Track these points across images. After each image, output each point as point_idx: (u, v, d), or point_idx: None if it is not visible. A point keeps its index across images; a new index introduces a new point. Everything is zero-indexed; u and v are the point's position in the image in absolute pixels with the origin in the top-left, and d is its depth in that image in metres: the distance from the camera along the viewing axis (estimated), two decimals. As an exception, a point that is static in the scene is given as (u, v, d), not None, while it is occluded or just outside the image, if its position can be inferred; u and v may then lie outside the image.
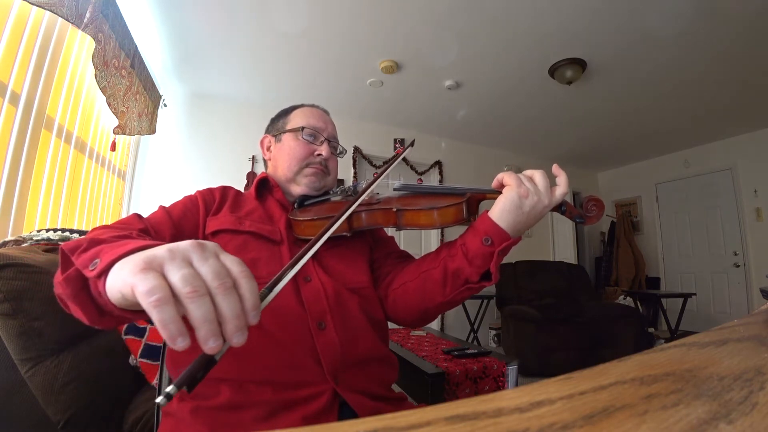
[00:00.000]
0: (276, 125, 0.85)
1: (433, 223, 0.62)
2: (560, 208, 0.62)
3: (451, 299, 0.64)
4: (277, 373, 0.56)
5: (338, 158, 0.86)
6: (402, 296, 0.70)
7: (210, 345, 0.31)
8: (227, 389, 0.55)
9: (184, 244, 0.33)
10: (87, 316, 0.40)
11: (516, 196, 0.57)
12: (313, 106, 0.86)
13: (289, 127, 0.81)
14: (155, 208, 0.68)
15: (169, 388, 0.28)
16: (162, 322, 0.29)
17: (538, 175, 0.60)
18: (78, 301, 0.40)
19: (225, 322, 0.31)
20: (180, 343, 0.30)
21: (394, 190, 0.74)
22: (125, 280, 0.32)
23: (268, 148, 0.84)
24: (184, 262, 0.32)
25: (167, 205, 0.70)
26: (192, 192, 0.74)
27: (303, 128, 0.79)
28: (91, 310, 0.40)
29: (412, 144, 0.91)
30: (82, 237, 0.44)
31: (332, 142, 0.82)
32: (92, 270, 0.37)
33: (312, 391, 0.56)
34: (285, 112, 0.85)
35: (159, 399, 0.28)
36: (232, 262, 0.34)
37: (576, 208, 0.63)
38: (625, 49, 2.55)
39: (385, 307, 0.73)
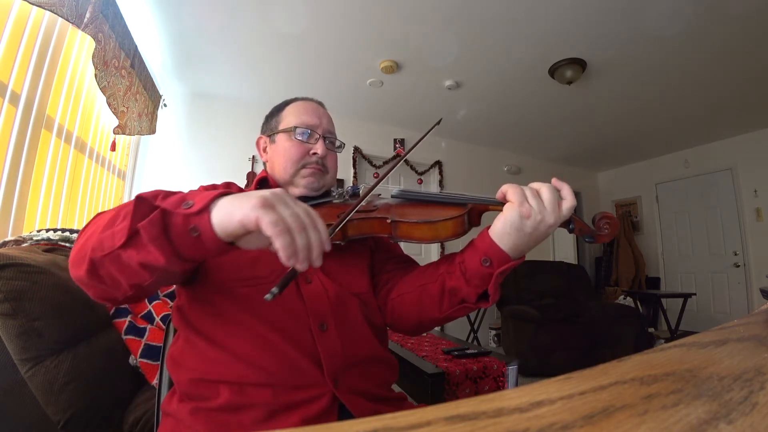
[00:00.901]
0: (270, 124, 0.81)
1: (431, 236, 0.58)
2: (568, 225, 0.57)
3: (447, 315, 0.63)
4: (276, 375, 0.56)
5: (337, 153, 0.82)
6: (399, 307, 0.69)
7: (304, 265, 0.42)
8: (227, 391, 0.55)
9: (279, 191, 0.44)
10: (165, 256, 0.44)
11: (517, 216, 0.53)
12: (306, 99, 0.82)
13: (281, 126, 0.77)
14: None
15: (274, 289, 0.41)
16: (284, 244, 0.40)
17: (545, 190, 0.54)
18: (159, 242, 0.43)
19: (313, 249, 0.42)
20: (292, 261, 0.41)
21: (392, 197, 0.70)
22: (247, 213, 0.41)
23: (264, 150, 0.81)
24: (286, 204, 0.42)
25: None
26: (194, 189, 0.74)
27: (295, 128, 0.75)
28: (169, 250, 0.44)
29: (438, 123, 0.83)
30: (151, 191, 0.49)
31: (328, 137, 0.78)
32: (188, 208, 0.44)
33: (312, 394, 0.56)
34: (278, 110, 0.81)
35: (267, 296, 0.40)
36: (308, 207, 0.44)
37: (587, 226, 0.58)
38: (625, 49, 2.55)
39: (383, 314, 0.72)
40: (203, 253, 0.46)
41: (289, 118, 0.77)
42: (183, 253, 0.45)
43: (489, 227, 0.58)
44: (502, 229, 0.55)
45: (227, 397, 0.54)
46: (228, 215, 0.42)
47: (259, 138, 0.83)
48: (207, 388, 0.56)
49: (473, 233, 0.62)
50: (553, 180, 0.58)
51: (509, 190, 0.55)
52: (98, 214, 0.54)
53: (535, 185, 0.56)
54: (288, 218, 0.41)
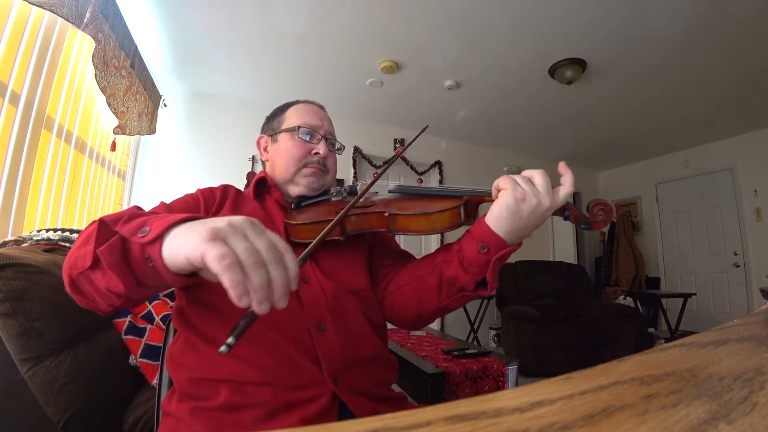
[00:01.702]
0: (271, 124, 0.82)
1: (428, 228, 0.59)
2: (563, 212, 0.57)
3: (446, 306, 0.63)
4: (276, 374, 0.56)
5: (337, 155, 0.83)
6: (398, 300, 0.69)
7: (263, 307, 0.35)
8: (226, 390, 0.55)
9: (240, 220, 0.38)
10: (124, 283, 0.42)
11: (512, 200, 0.53)
12: (308, 102, 0.83)
13: (284, 126, 0.79)
14: (156, 204, 0.68)
15: (229, 339, 0.34)
16: (232, 281, 0.34)
17: (537, 175, 0.55)
18: (117, 269, 0.41)
19: (275, 289, 0.36)
20: (245, 301, 0.35)
21: (389, 192, 0.72)
22: (194, 247, 0.36)
23: (265, 149, 0.82)
24: (243, 236, 0.37)
25: (168, 201, 0.69)
26: (193, 190, 0.74)
27: (299, 127, 0.76)
28: (128, 277, 0.42)
29: (424, 129, 0.86)
30: (118, 212, 0.46)
31: (329, 139, 0.80)
32: (143, 236, 0.41)
33: (311, 393, 0.56)
34: (280, 110, 0.83)
35: (222, 348, 0.34)
36: (276, 239, 0.39)
37: (581, 213, 0.58)
38: (625, 49, 2.55)
39: (382, 309, 0.72)
40: (164, 283, 0.43)
41: (292, 118, 0.79)
42: (144, 281, 0.43)
43: (485, 216, 0.58)
44: (498, 213, 0.55)
45: (227, 397, 0.54)
46: (176, 249, 0.39)
47: (260, 137, 0.84)
48: (207, 387, 0.56)
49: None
50: (561, 164, 0.58)
51: (500, 180, 0.56)
52: (92, 223, 0.53)
53: (527, 172, 0.56)
54: (242, 254, 0.35)
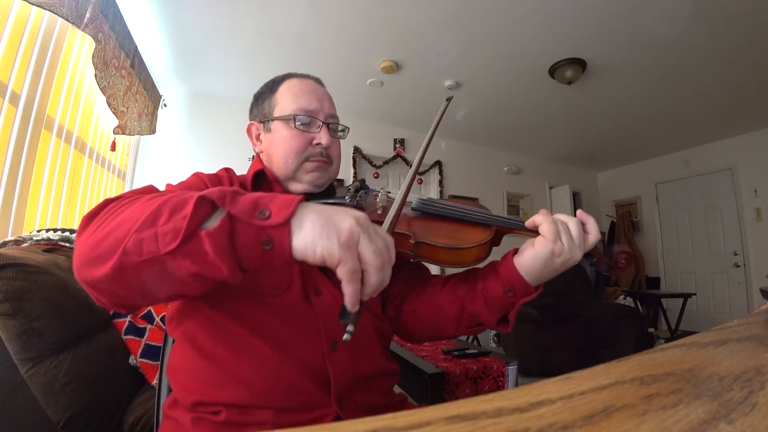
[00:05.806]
0: (262, 108, 0.72)
1: (455, 262, 0.57)
2: (590, 258, 0.58)
3: (461, 333, 0.64)
4: (279, 398, 0.53)
5: (341, 139, 0.73)
6: (412, 322, 0.67)
7: (369, 297, 0.40)
8: (228, 411, 0.52)
9: (365, 219, 0.40)
10: (229, 268, 0.38)
11: (549, 253, 0.53)
12: (302, 77, 0.71)
13: (277, 113, 0.68)
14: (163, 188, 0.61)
15: (350, 328, 0.39)
16: (353, 291, 0.38)
17: (573, 226, 0.54)
18: (225, 253, 0.37)
19: (383, 285, 0.40)
20: (356, 307, 0.39)
21: (412, 209, 0.63)
22: (332, 251, 0.38)
23: (257, 137, 0.72)
24: (371, 238, 0.39)
25: (174, 183, 0.64)
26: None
27: (295, 116, 0.66)
28: (233, 261, 0.38)
29: (449, 99, 0.77)
30: (216, 189, 0.40)
31: (331, 123, 0.69)
32: (263, 219, 0.38)
33: (315, 415, 0.54)
34: (269, 89, 0.72)
35: (345, 336, 0.38)
36: (385, 234, 0.42)
37: (605, 258, 0.59)
38: (625, 50, 2.55)
39: (393, 325, 0.70)
40: (267, 265, 0.40)
41: (285, 101, 0.68)
42: (246, 265, 0.40)
43: (512, 253, 0.58)
44: (532, 264, 0.55)
45: (229, 416, 0.52)
46: (312, 244, 0.38)
47: (250, 125, 0.74)
48: (208, 408, 0.53)
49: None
50: (579, 212, 0.58)
51: (543, 224, 0.54)
52: (110, 203, 0.45)
53: (563, 218, 0.55)
54: (369, 256, 0.38)
